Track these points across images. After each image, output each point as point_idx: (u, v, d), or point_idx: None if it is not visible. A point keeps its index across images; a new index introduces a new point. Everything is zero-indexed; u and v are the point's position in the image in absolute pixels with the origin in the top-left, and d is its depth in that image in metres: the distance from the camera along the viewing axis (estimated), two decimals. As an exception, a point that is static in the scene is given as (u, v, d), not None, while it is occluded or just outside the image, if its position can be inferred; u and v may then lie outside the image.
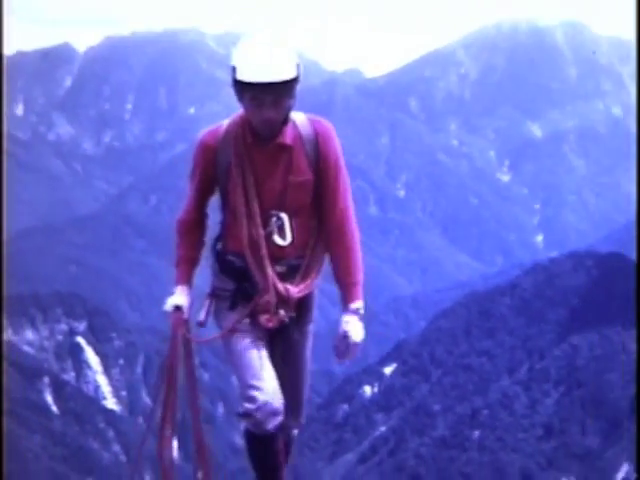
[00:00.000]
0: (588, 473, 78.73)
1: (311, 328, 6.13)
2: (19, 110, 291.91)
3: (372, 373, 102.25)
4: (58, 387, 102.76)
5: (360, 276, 5.92)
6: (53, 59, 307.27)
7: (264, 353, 5.90)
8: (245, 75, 5.54)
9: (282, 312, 5.80)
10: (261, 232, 5.70)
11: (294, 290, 5.77)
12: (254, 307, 5.79)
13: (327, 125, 5.88)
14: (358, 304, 5.87)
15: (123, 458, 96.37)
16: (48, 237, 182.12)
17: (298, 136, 5.71)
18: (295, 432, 6.30)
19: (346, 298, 5.89)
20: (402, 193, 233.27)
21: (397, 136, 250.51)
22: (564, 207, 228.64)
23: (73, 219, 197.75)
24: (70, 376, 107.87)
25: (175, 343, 5.93)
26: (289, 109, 5.66)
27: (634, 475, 76.36)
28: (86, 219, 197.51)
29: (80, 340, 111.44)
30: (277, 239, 5.69)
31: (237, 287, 5.89)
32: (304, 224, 5.80)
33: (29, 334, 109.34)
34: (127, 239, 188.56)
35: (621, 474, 77.65)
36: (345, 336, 5.84)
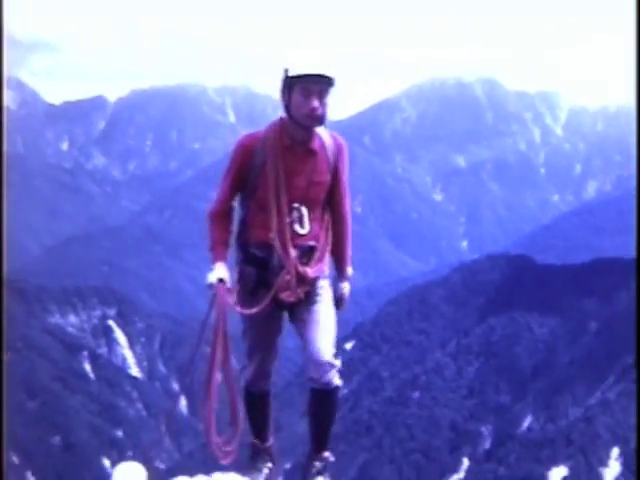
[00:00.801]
0: (501, 423, 78.76)
1: (324, 299, 5.95)
2: (64, 146, 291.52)
3: (336, 348, 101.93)
4: (94, 359, 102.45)
5: (350, 252, 6.20)
6: (91, 107, 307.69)
7: (271, 340, 6.03)
8: (298, 69, 5.42)
9: (299, 290, 5.72)
10: (287, 221, 5.62)
11: (310, 271, 5.73)
12: (276, 287, 5.66)
13: (343, 140, 5.97)
14: (350, 271, 6.19)
15: (144, 413, 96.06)
16: (86, 244, 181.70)
17: (322, 144, 5.72)
18: (335, 374, 5.94)
19: (342, 268, 6.14)
20: (359, 209, 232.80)
21: (355, 165, 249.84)
22: (483, 220, 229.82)
23: (105, 229, 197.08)
24: (103, 350, 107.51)
25: (223, 309, 5.68)
26: (326, 110, 5.62)
27: (536, 424, 76.54)
28: (115, 230, 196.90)
29: (111, 323, 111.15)
30: (298, 228, 5.66)
31: (258, 275, 5.72)
32: (317, 216, 5.80)
33: (72, 318, 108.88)
34: (147, 245, 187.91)
35: (526, 423, 77.69)
36: (342, 297, 6.16)
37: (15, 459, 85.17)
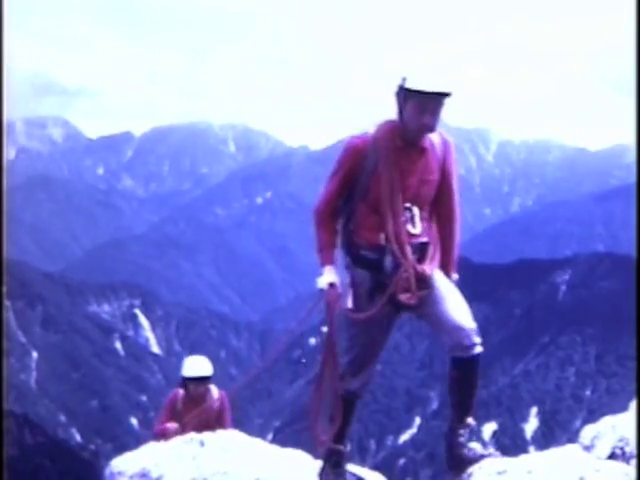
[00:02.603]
0: (445, 389, 78.40)
1: (442, 281, 4.73)
2: (100, 171, 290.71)
3: (315, 330, 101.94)
4: (123, 339, 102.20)
5: (457, 254, 4.95)
6: (121, 141, 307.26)
7: (377, 347, 4.88)
8: (416, 84, 4.43)
9: (419, 292, 4.57)
10: (402, 221, 4.56)
11: (428, 269, 4.63)
12: (394, 288, 4.55)
13: (449, 137, 4.85)
14: (455, 276, 4.89)
15: (163, 382, 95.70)
16: (117, 248, 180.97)
17: (431, 142, 4.68)
18: (478, 349, 4.71)
19: (448, 267, 4.85)
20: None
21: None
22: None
23: (132, 237, 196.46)
24: (131, 333, 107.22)
25: (333, 315, 4.78)
26: (438, 121, 4.58)
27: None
28: (140, 237, 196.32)
29: (137, 311, 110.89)
30: (410, 228, 4.60)
31: (372, 278, 4.63)
32: (426, 215, 4.71)
33: (106, 307, 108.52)
34: (165, 249, 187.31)
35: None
36: None
37: (63, 418, 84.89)
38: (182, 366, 7.53)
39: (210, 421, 7.37)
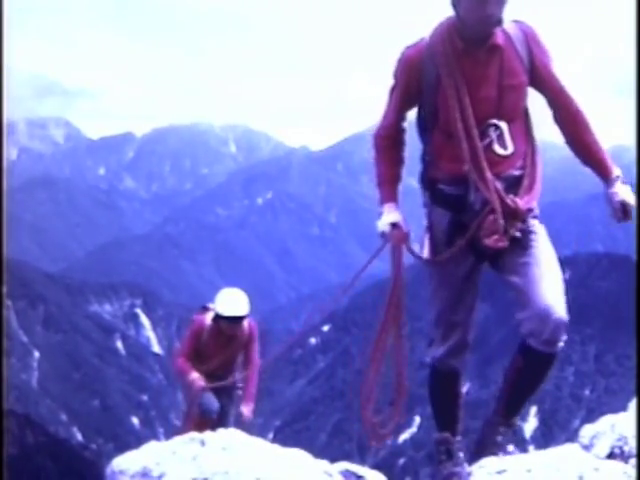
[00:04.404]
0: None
1: (540, 240, 3.77)
2: (101, 172, 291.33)
3: (315, 330, 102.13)
4: (125, 339, 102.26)
5: (602, 146, 3.79)
6: (122, 141, 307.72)
7: (466, 306, 4.00)
8: None
9: (510, 230, 3.61)
10: (481, 144, 3.58)
11: (521, 202, 3.62)
12: (477, 230, 3.64)
13: (531, 25, 3.73)
14: (617, 171, 3.80)
15: (164, 382, 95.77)
16: (118, 248, 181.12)
17: (507, 37, 3.62)
18: (564, 334, 3.69)
19: (604, 172, 3.76)
20: (334, 220, 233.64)
21: (330, 186, 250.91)
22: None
23: (133, 237, 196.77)
24: (132, 332, 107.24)
25: (400, 261, 3.96)
26: (503, 10, 3.55)
27: (472, 388, 76.56)
28: (141, 237, 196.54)
29: (138, 310, 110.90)
30: (498, 149, 3.60)
31: (453, 218, 3.76)
32: (521, 131, 3.69)
33: (107, 306, 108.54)
34: (166, 249, 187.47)
35: (465, 388, 77.13)
36: (623, 203, 3.69)
37: (64, 417, 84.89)
38: (216, 299, 6.78)
39: (238, 354, 7.02)
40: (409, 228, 3.96)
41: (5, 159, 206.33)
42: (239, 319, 6.74)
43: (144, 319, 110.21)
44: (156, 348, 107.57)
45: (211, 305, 6.94)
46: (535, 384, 3.90)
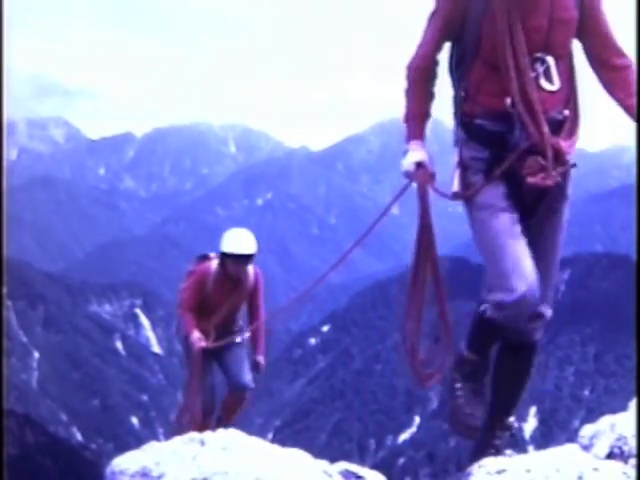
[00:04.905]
0: (444, 388, 78.84)
1: (566, 207, 3.52)
2: (101, 172, 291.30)
3: (315, 330, 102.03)
4: (124, 339, 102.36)
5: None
6: (122, 141, 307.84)
7: (523, 239, 3.39)
8: None
9: (555, 172, 3.29)
10: (530, 75, 3.26)
11: (564, 145, 3.33)
12: (520, 169, 3.30)
13: None
14: None
15: (164, 382, 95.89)
16: (118, 248, 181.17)
17: None
18: (540, 328, 3.61)
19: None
20: (333, 220, 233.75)
21: (330, 186, 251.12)
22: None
23: (133, 237, 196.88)
24: (132, 332, 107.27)
25: (427, 202, 3.63)
26: None
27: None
28: (141, 237, 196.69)
29: (138, 311, 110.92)
30: (545, 84, 3.28)
31: (492, 155, 3.40)
32: (566, 70, 3.39)
33: (107, 307, 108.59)
34: (166, 250, 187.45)
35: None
36: None
37: (64, 417, 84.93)
38: (222, 239, 6.44)
39: (242, 302, 6.78)
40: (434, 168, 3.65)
41: (5, 159, 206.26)
42: (247, 258, 6.46)
43: (144, 319, 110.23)
44: (156, 348, 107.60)
45: (212, 254, 6.70)
46: (521, 380, 3.71)
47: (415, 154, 3.63)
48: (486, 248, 3.48)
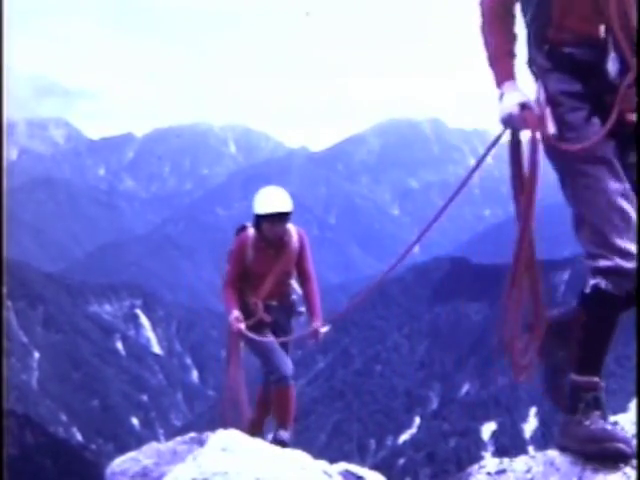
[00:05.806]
0: (445, 389, 78.97)
1: None
2: (101, 172, 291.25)
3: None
4: (124, 339, 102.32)
5: None
6: (122, 142, 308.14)
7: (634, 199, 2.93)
8: None
9: None
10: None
11: None
12: (619, 103, 2.78)
13: None
14: None
15: (164, 382, 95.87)
16: (118, 249, 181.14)
17: None
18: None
19: None
20: (333, 221, 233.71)
21: (330, 187, 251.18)
22: (431, 230, 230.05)
23: (133, 238, 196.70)
24: (132, 333, 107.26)
25: (536, 149, 3.07)
26: None
27: (472, 389, 76.59)
28: (141, 238, 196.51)
29: (138, 311, 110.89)
30: None
31: (585, 89, 2.89)
32: None
33: (107, 307, 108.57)
34: (166, 250, 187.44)
35: (464, 389, 77.81)
36: None
37: (64, 417, 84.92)
38: (254, 201, 5.97)
39: (289, 269, 6.10)
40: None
41: (5, 159, 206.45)
42: (283, 217, 5.87)
43: (144, 319, 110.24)
44: (156, 348, 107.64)
45: (248, 224, 6.20)
46: (610, 330, 3.22)
47: (515, 94, 2.96)
48: (599, 210, 2.98)
